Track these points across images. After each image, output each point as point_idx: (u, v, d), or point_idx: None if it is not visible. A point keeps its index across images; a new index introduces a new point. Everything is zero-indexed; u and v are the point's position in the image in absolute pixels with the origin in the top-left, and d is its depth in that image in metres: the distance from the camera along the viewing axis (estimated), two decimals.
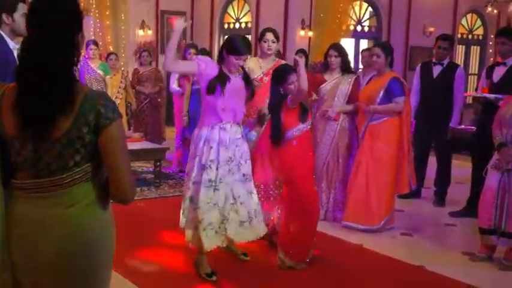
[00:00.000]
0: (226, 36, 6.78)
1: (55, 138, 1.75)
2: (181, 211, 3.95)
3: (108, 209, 1.92)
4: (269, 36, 4.87)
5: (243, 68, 4.03)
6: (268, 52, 4.83)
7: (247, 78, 4.01)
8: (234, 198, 3.92)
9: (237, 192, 3.93)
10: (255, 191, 4.10)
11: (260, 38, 4.96)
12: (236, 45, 3.84)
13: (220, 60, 3.91)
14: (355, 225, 5.07)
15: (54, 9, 1.77)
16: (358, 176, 5.12)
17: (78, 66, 7.67)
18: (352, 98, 5.29)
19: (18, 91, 1.76)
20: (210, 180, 3.80)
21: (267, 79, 4.82)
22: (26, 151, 1.77)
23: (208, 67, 3.84)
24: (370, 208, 5.06)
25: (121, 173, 1.82)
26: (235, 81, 3.89)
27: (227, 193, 3.88)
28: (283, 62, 5.14)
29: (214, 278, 3.85)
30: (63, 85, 1.74)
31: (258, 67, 4.74)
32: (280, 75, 4.07)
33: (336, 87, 5.32)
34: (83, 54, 7.95)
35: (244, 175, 3.98)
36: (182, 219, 3.93)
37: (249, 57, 4.27)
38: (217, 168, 3.82)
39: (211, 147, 3.82)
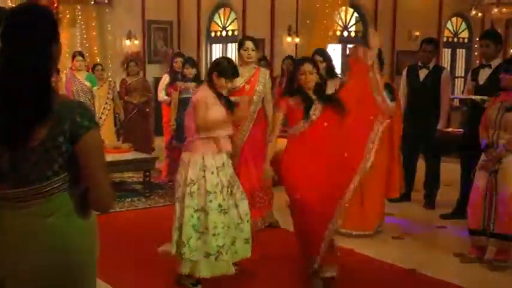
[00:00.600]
0: (213, 47, 6.82)
1: (31, 148, 1.75)
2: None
3: (90, 218, 1.92)
4: (248, 44, 4.93)
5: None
6: (249, 60, 4.87)
7: (228, 101, 3.93)
8: (239, 218, 3.89)
9: (243, 211, 3.91)
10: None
11: (240, 46, 5.00)
12: (227, 68, 3.84)
13: (211, 83, 3.87)
14: (349, 232, 5.05)
15: (26, 20, 1.79)
16: None
17: (63, 77, 7.68)
18: None
19: None
20: (220, 205, 3.74)
21: (248, 87, 4.85)
22: (3, 160, 1.77)
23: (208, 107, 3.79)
24: (363, 214, 5.04)
25: (98, 182, 1.82)
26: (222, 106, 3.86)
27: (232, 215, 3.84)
28: (263, 69, 5.18)
29: (199, 287, 3.84)
30: (38, 95, 1.75)
31: (239, 76, 4.76)
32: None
33: None
34: (69, 66, 7.94)
35: (242, 193, 3.96)
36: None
37: None
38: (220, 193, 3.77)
39: (212, 173, 3.76)
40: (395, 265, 4.40)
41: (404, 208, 6.13)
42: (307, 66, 3.83)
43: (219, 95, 3.85)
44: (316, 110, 3.79)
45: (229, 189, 3.83)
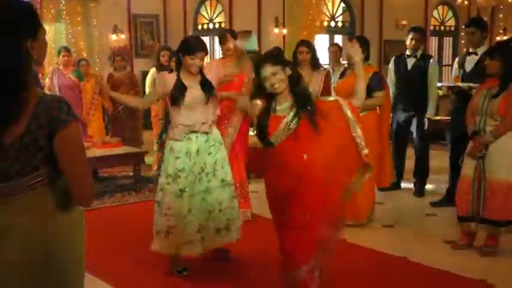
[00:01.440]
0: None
1: (9, 144, 1.75)
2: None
3: (72, 213, 1.91)
4: (228, 37, 4.96)
5: (201, 73, 3.87)
6: (229, 53, 4.91)
7: (205, 85, 3.84)
8: (211, 205, 3.89)
9: (216, 199, 3.90)
10: (235, 196, 4.08)
11: (220, 40, 5.05)
12: (189, 44, 3.77)
13: (179, 65, 3.83)
14: None
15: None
16: None
17: (49, 73, 7.60)
18: (323, 94, 5.28)
19: None
20: (180, 190, 3.81)
21: (236, 79, 4.85)
22: None
23: (166, 84, 3.81)
24: (355, 204, 5.03)
25: (78, 176, 1.81)
26: (194, 90, 3.79)
27: (198, 201, 3.85)
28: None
29: (185, 273, 3.94)
30: (13, 91, 1.74)
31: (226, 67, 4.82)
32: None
33: (308, 84, 5.29)
34: (55, 61, 7.87)
35: (222, 181, 3.94)
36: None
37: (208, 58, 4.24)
38: (186, 177, 3.82)
39: (177, 158, 3.81)
40: (387, 253, 4.43)
41: (394, 197, 6.16)
42: (269, 69, 2.99)
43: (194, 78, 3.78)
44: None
45: (200, 176, 3.84)
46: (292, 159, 3.01)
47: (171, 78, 3.83)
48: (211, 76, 3.90)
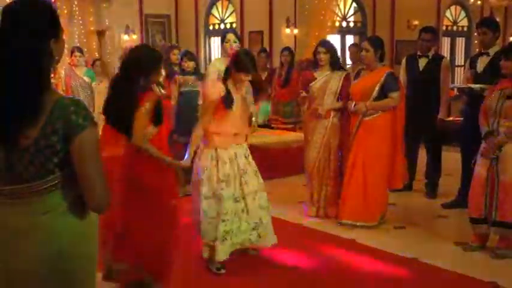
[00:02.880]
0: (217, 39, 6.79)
1: (24, 147, 1.74)
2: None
3: (86, 218, 1.88)
4: (230, 37, 5.04)
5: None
6: (231, 52, 4.93)
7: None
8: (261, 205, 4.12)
9: (263, 197, 4.15)
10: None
11: (222, 39, 5.06)
12: (245, 63, 3.95)
13: (226, 77, 4.02)
14: (353, 223, 5.04)
15: (20, 16, 1.76)
16: (354, 173, 5.05)
17: (63, 74, 7.67)
18: (342, 95, 5.26)
19: None
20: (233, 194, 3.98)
21: None
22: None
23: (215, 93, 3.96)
24: (367, 205, 5.02)
25: (93, 182, 1.79)
26: (237, 101, 3.99)
27: (250, 201, 4.05)
28: None
29: (223, 271, 3.98)
30: (30, 94, 1.72)
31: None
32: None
33: (326, 84, 5.26)
34: (68, 61, 7.92)
35: (259, 182, 4.16)
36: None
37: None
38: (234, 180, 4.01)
39: (224, 163, 3.98)
40: (398, 255, 4.40)
41: (406, 197, 6.13)
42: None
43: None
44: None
45: (244, 178, 4.04)
46: None
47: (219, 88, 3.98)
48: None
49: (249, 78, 3.98)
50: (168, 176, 3.55)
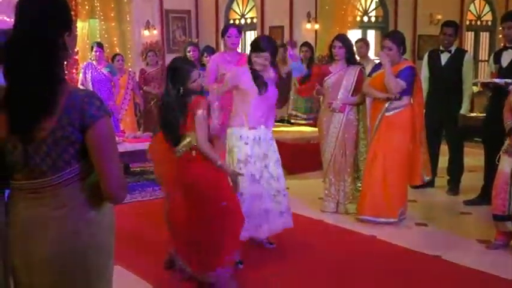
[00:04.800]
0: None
1: (41, 139, 1.75)
2: None
3: (102, 209, 1.89)
4: (232, 31, 4.99)
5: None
6: (232, 47, 4.92)
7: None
8: (276, 190, 4.17)
9: (281, 184, 4.21)
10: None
11: (223, 33, 5.05)
12: (256, 43, 4.03)
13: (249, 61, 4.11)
14: (373, 219, 4.99)
15: (35, 9, 1.78)
16: (374, 168, 5.00)
17: (82, 68, 7.73)
18: (357, 90, 5.22)
19: (6, 91, 1.76)
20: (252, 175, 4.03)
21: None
22: (17, 152, 1.78)
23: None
24: (388, 201, 4.97)
25: (108, 172, 1.79)
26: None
27: (266, 186, 4.11)
28: (246, 54, 5.17)
29: (240, 266, 3.93)
30: (45, 85, 1.73)
31: (226, 61, 4.98)
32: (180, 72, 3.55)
33: (341, 79, 5.23)
34: (89, 56, 7.99)
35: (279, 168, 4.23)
36: None
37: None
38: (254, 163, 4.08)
39: (246, 144, 4.06)
40: (419, 252, 4.35)
41: (428, 194, 6.07)
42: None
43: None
44: None
45: (265, 162, 4.10)
46: None
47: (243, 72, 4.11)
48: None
49: (261, 60, 4.01)
50: (223, 178, 3.61)
